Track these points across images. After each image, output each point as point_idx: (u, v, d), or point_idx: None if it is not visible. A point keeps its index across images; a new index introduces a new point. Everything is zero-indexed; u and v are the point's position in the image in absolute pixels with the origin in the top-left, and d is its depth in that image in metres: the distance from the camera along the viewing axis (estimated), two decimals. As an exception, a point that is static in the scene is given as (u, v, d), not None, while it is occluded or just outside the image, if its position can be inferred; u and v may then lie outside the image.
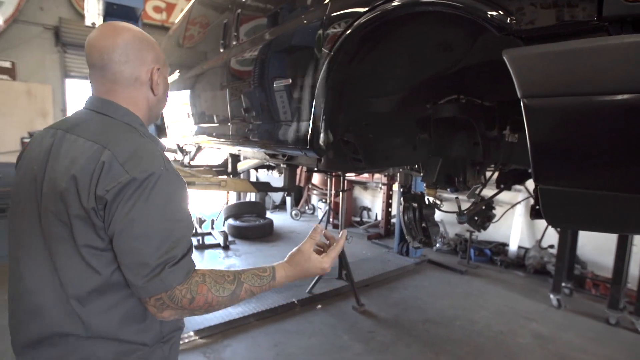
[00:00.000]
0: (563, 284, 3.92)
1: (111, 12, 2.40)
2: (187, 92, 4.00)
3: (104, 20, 2.46)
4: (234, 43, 2.66)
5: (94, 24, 2.63)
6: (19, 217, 0.93)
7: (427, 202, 2.13)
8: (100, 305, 0.86)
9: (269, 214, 7.10)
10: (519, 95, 0.88)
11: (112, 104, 0.94)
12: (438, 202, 2.08)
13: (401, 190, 3.76)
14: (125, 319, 0.88)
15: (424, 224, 2.06)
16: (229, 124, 2.79)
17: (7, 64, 5.78)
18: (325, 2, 1.74)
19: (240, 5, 2.65)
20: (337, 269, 4.09)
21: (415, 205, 2.09)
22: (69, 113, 5.48)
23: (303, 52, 1.86)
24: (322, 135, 1.85)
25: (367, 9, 1.52)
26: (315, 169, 3.92)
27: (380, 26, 1.54)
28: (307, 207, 8.04)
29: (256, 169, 5.47)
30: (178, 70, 4.31)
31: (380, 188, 6.22)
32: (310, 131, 1.85)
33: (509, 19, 0.93)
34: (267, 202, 8.14)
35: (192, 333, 3.13)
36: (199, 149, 4.54)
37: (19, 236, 0.92)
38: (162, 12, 6.94)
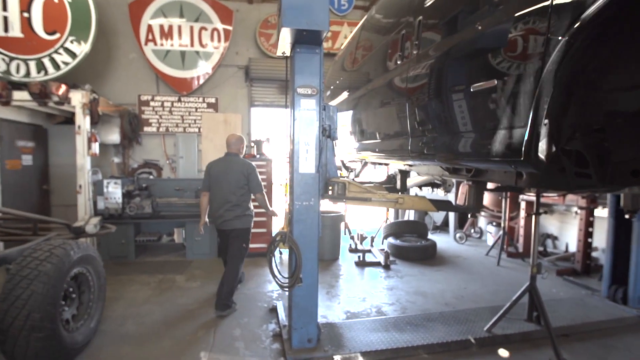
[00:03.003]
0: None
1: (300, 39, 2.56)
2: (355, 111, 4.07)
3: (293, 46, 2.63)
4: (414, 53, 2.51)
5: (284, 53, 2.87)
6: (219, 184, 3.86)
7: None
8: (243, 197, 3.89)
9: (429, 235, 6.64)
10: None
11: (236, 154, 4.04)
12: None
13: (627, 216, 2.87)
14: (245, 200, 3.90)
15: None
16: (408, 138, 2.63)
17: (213, 100, 7.21)
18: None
19: (421, 12, 2.49)
20: (527, 309, 3.38)
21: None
22: (253, 136, 6.33)
23: (518, 44, 1.53)
24: (542, 144, 1.47)
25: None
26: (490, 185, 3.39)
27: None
28: (473, 231, 7.22)
29: (420, 187, 5.19)
30: (347, 92, 4.46)
31: (577, 213, 5.02)
32: (526, 139, 1.50)
33: None
34: (426, 222, 7.67)
35: (358, 354, 3.02)
36: (364, 165, 4.57)
37: (220, 189, 3.86)
38: (328, 41, 7.50)
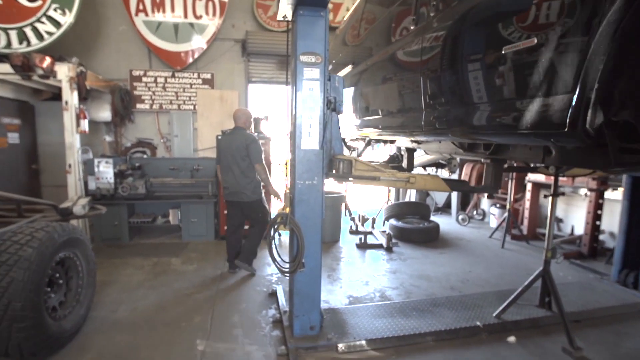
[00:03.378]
0: None
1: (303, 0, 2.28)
2: (358, 87, 3.82)
3: (295, 8, 2.37)
4: (431, 14, 2.25)
5: (285, 16, 2.60)
6: (226, 156, 4.09)
7: None
8: (248, 168, 4.03)
9: (431, 217, 6.48)
10: None
11: (242, 128, 4.21)
12: None
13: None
14: (250, 172, 4.04)
15: None
16: (421, 112, 2.40)
17: (208, 75, 6.87)
18: None
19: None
20: (538, 294, 3.24)
21: None
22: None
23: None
24: (591, 113, 1.26)
25: None
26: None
27: None
28: (475, 212, 7.07)
29: (424, 167, 4.98)
30: (349, 67, 4.19)
31: (586, 195, 4.85)
32: (572, 107, 1.28)
33: None
34: (427, 203, 7.51)
35: (363, 342, 2.88)
36: (368, 143, 4.35)
37: (227, 161, 4.07)
38: (329, 13, 7.11)
